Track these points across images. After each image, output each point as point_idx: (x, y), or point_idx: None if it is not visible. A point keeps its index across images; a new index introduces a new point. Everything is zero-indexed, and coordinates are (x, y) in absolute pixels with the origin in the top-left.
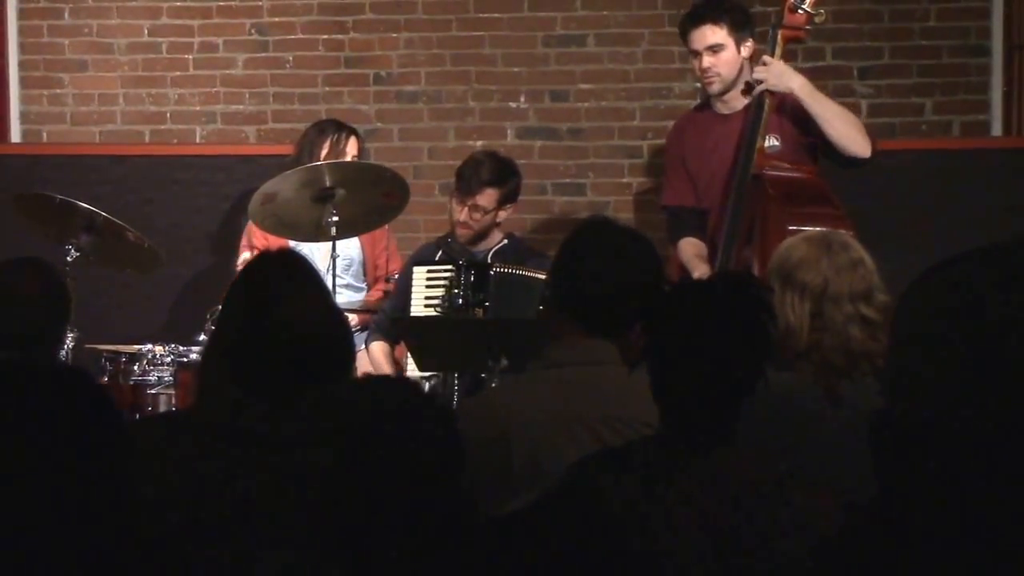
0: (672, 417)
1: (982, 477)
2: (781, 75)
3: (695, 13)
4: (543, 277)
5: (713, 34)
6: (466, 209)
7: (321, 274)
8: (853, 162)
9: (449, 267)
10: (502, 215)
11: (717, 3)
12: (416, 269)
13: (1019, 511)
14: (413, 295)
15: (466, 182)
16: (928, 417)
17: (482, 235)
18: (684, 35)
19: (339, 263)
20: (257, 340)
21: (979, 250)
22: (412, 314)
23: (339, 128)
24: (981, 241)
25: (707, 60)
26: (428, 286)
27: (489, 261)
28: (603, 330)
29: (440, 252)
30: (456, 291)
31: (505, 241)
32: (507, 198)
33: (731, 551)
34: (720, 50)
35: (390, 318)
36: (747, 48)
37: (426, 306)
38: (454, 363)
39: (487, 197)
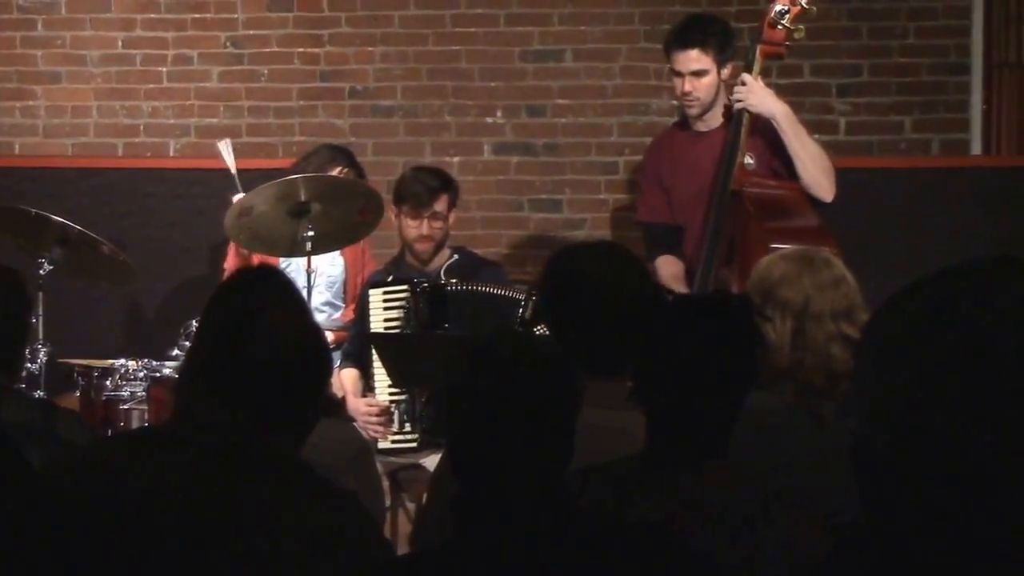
0: (657, 433)
1: (963, 497)
2: (764, 99)
3: (683, 36)
4: (499, 293)
5: (698, 60)
6: (425, 221)
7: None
8: (812, 201)
9: (404, 287)
10: (451, 220)
11: (704, 26)
12: (371, 292)
13: (1002, 530)
14: (372, 318)
15: (418, 196)
16: (905, 433)
17: (438, 247)
18: (668, 53)
19: (324, 281)
20: (235, 355)
21: (952, 269)
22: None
23: (351, 163)
24: (959, 260)
25: (688, 84)
26: (385, 308)
27: (443, 279)
28: (605, 371)
29: (391, 276)
30: (413, 311)
31: (456, 256)
32: (454, 202)
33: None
34: (703, 75)
35: (356, 345)
36: (727, 71)
37: (386, 328)
38: (431, 380)
39: (442, 203)
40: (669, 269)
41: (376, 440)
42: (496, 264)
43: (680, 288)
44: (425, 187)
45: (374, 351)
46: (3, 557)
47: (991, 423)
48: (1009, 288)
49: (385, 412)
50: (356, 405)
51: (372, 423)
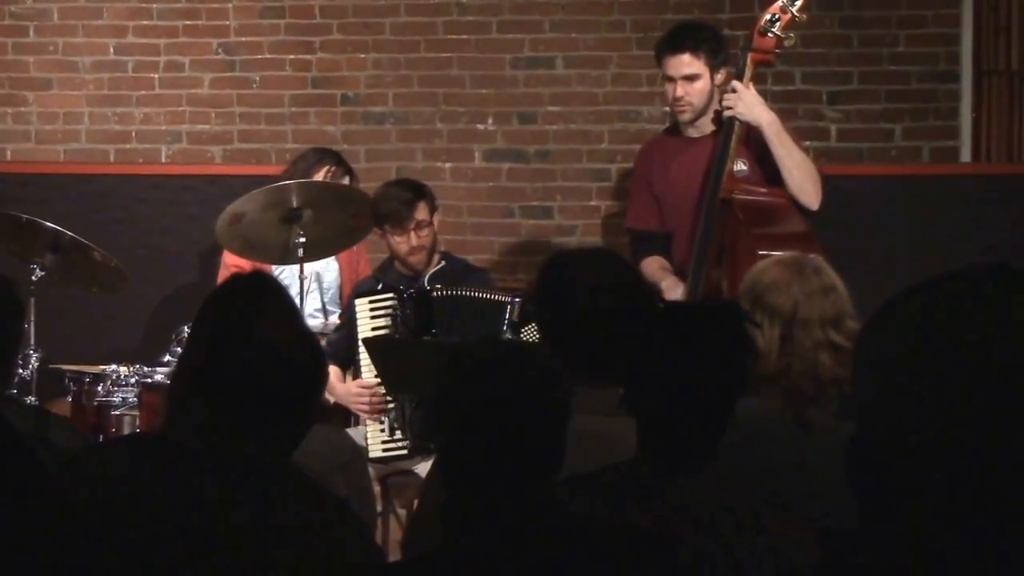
0: (648, 439)
1: (958, 500)
2: (752, 107)
3: (674, 40)
4: (485, 296)
5: (690, 64)
6: (411, 234)
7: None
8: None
9: (390, 295)
10: (436, 224)
11: (695, 30)
12: (358, 301)
13: (997, 529)
14: (359, 328)
15: (396, 211)
16: (900, 439)
17: (431, 254)
18: (659, 58)
19: (319, 287)
20: (227, 362)
21: (946, 276)
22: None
23: (338, 162)
24: (950, 267)
25: (680, 89)
26: (372, 317)
27: (428, 285)
28: (597, 377)
29: (379, 284)
30: (401, 318)
31: (443, 263)
32: (434, 207)
33: None
34: (695, 80)
35: (341, 347)
36: (720, 76)
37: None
38: (424, 385)
39: (422, 211)
40: (655, 264)
41: (367, 447)
42: (483, 269)
43: (669, 277)
44: (400, 201)
45: (365, 357)
46: (16, 557)
47: (986, 428)
48: (1000, 295)
49: (377, 393)
50: (347, 388)
51: (365, 403)
